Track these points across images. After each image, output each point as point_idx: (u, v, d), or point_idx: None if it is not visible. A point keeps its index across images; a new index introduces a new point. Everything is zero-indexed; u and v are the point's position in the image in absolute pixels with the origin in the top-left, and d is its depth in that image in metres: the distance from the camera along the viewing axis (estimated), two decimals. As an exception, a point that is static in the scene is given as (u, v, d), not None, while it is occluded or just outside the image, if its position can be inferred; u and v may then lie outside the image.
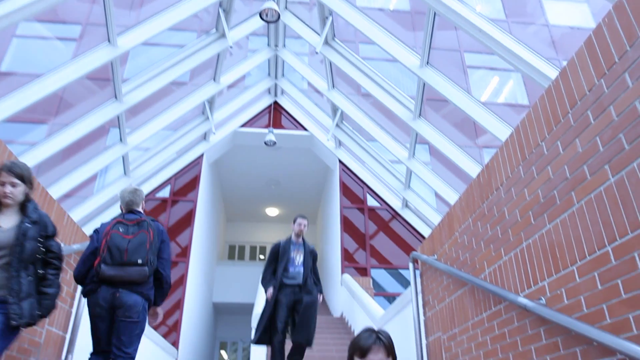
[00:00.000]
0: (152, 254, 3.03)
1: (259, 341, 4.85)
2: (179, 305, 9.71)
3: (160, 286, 3.16)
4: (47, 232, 2.70)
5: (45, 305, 2.62)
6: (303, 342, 4.73)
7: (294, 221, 5.30)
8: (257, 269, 14.66)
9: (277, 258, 5.13)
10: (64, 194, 7.89)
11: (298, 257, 5.13)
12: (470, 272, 3.26)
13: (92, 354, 3.05)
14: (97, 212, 9.39)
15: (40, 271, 2.64)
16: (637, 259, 1.81)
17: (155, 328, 8.93)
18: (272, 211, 16.88)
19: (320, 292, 5.13)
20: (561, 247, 2.29)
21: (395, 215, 11.55)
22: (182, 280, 9.95)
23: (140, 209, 3.30)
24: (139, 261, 2.93)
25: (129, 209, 3.26)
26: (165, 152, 10.14)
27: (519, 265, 2.67)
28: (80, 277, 3.09)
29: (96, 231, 3.15)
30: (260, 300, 8.05)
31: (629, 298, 1.84)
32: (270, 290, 4.91)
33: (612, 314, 1.93)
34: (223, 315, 15.78)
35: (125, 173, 9.23)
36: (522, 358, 2.57)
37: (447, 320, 3.65)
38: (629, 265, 1.85)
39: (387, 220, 11.62)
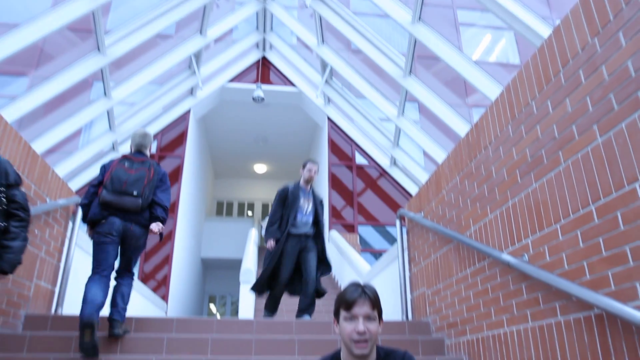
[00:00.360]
0: (149, 189, 3.34)
1: (255, 288, 4.63)
2: (167, 261, 9.81)
3: (157, 205, 3.41)
4: (8, 181, 2.48)
5: (7, 259, 2.42)
6: (315, 291, 4.58)
7: (304, 166, 4.89)
8: (245, 226, 14.79)
9: (284, 203, 4.77)
10: (47, 149, 7.76)
11: (307, 206, 4.78)
12: (456, 230, 3.31)
13: (92, 275, 3.17)
14: (83, 167, 9.29)
15: (2, 224, 2.42)
16: (620, 218, 1.85)
17: (145, 282, 9.05)
18: (261, 168, 16.85)
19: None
20: (546, 206, 2.32)
21: (383, 173, 11.61)
22: (170, 235, 10.00)
23: (147, 152, 3.62)
24: (135, 193, 3.25)
25: (137, 150, 3.58)
26: (151, 107, 9.94)
27: (504, 223, 2.71)
28: (84, 206, 3.34)
29: (103, 166, 3.43)
30: (250, 254, 8.15)
31: (610, 256, 1.89)
32: (272, 242, 4.60)
33: (592, 270, 1.98)
34: (212, 270, 16.01)
35: (110, 128, 9.08)
36: (503, 312, 2.65)
37: (432, 276, 3.73)
38: (611, 224, 1.89)
39: (375, 178, 11.69)
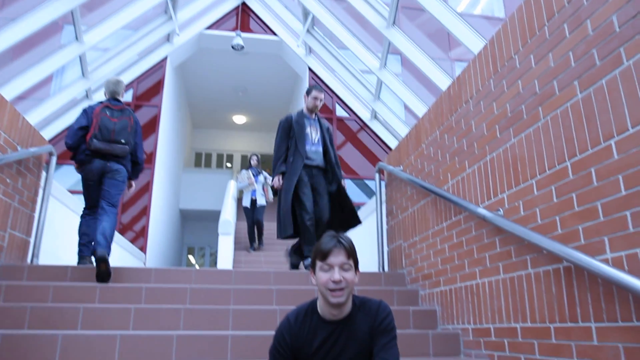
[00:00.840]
0: (132, 136, 3.81)
1: (285, 234, 4.17)
2: (145, 212, 9.75)
3: (136, 164, 3.99)
4: None
5: None
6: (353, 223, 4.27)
7: (308, 93, 4.44)
8: (224, 177, 14.71)
9: (289, 135, 4.35)
10: (17, 96, 7.46)
11: (314, 134, 4.38)
12: (434, 184, 3.34)
13: (84, 210, 3.87)
14: (56, 115, 8.99)
15: None
16: (594, 174, 1.88)
17: (123, 233, 9.02)
18: (240, 119, 16.60)
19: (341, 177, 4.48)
20: (523, 161, 2.35)
21: (364, 126, 11.56)
22: (147, 186, 9.90)
23: (121, 98, 3.97)
24: (122, 140, 3.71)
25: (112, 96, 3.92)
26: (126, 53, 9.57)
27: (482, 177, 2.74)
28: (73, 147, 3.71)
29: (85, 111, 3.77)
30: (229, 206, 8.16)
31: (581, 210, 1.93)
32: (278, 180, 4.26)
33: (563, 225, 2.03)
34: (190, 221, 16.02)
35: (83, 75, 8.74)
36: (476, 264, 2.73)
37: (409, 229, 3.80)
38: (585, 179, 1.92)
39: (355, 131, 11.64)
